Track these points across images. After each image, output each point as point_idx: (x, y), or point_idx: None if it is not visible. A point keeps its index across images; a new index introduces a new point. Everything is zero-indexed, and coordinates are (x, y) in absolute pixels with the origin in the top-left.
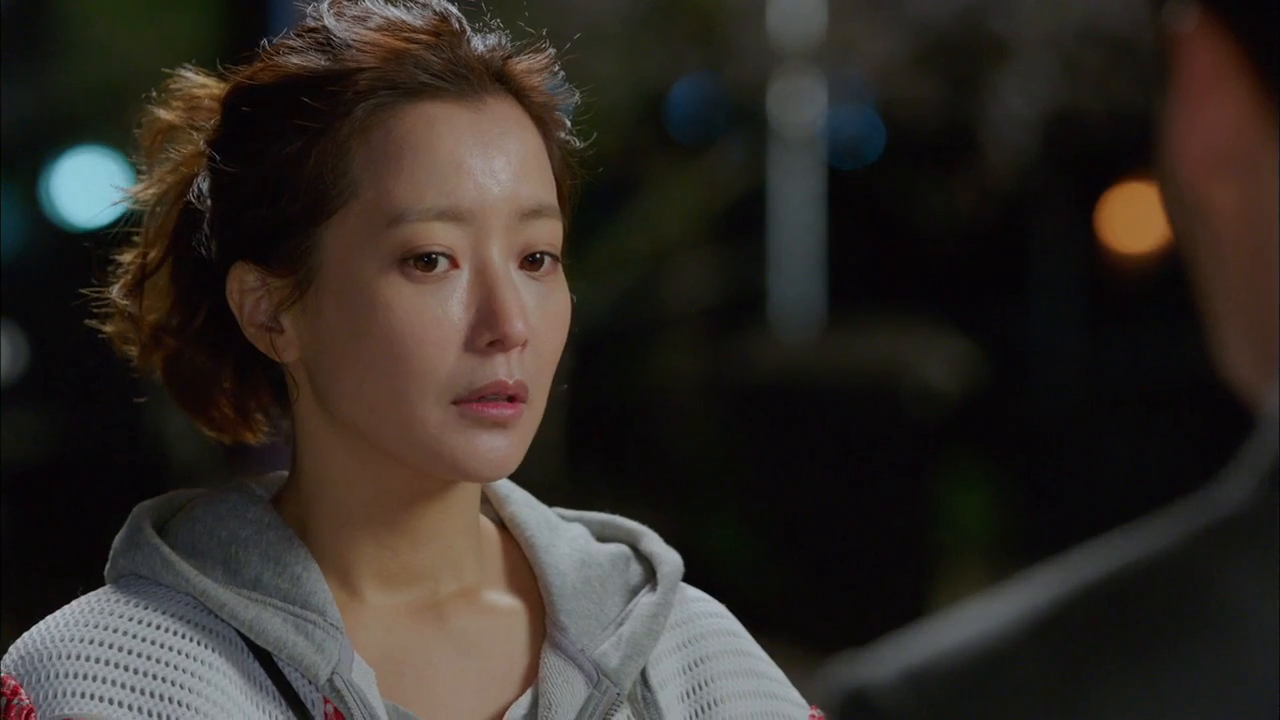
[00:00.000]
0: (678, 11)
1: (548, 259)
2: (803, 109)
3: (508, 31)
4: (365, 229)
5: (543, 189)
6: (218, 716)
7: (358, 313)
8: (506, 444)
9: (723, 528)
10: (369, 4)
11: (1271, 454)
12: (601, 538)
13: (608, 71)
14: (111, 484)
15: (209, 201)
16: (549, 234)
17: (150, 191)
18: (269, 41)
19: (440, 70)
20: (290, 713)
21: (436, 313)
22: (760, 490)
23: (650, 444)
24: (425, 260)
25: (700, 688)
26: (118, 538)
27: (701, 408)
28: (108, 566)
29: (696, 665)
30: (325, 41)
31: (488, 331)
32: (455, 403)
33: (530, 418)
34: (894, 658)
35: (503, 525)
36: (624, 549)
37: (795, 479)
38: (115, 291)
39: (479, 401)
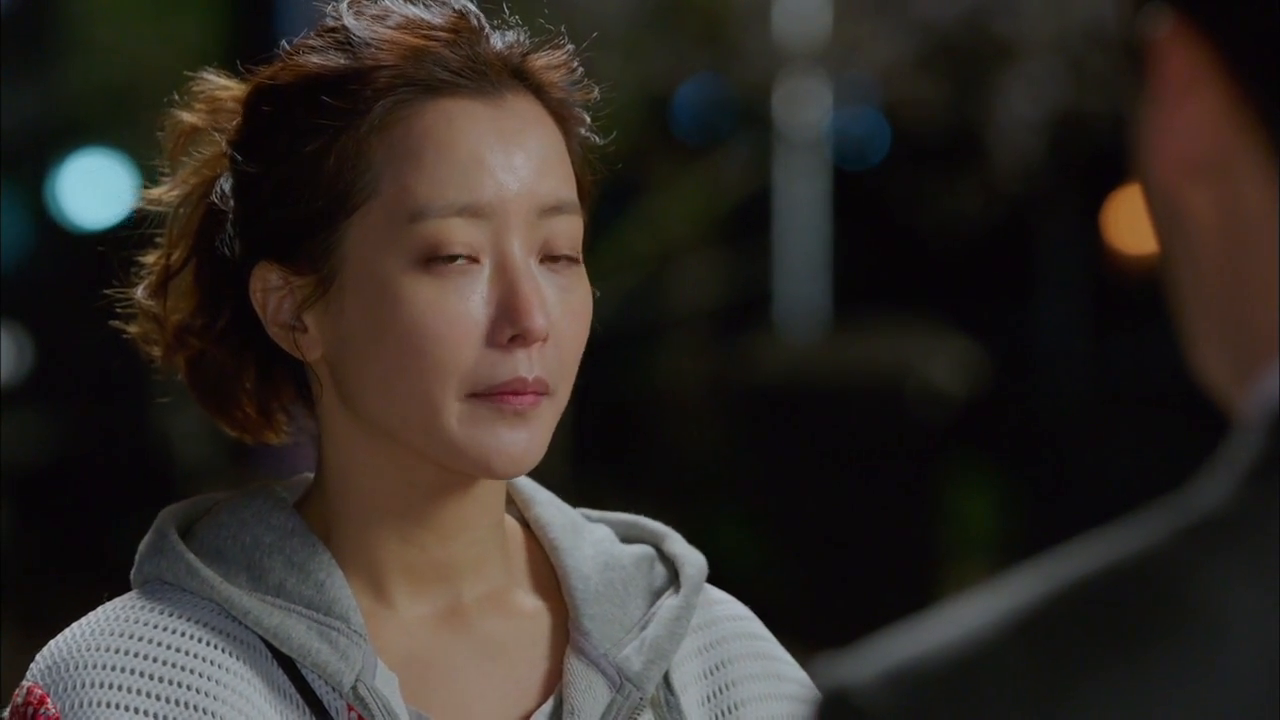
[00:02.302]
0: (683, 13)
1: (567, 259)
2: (808, 110)
3: (526, 29)
4: (386, 225)
5: (563, 185)
6: None
7: (379, 309)
8: (527, 437)
9: (728, 529)
10: (388, 3)
11: (1249, 455)
12: (626, 539)
13: (613, 73)
14: (116, 486)
15: (232, 202)
16: (569, 230)
17: (173, 193)
18: (289, 42)
19: (459, 67)
20: None
21: (458, 308)
22: (765, 491)
23: (655, 445)
24: (448, 255)
25: (722, 691)
26: (143, 542)
27: (707, 409)
28: (133, 571)
29: (719, 669)
30: (345, 40)
31: (509, 327)
32: (474, 396)
33: (551, 411)
34: (875, 658)
35: (528, 526)
36: (648, 550)
37: (800, 480)
38: (139, 292)
39: (498, 394)
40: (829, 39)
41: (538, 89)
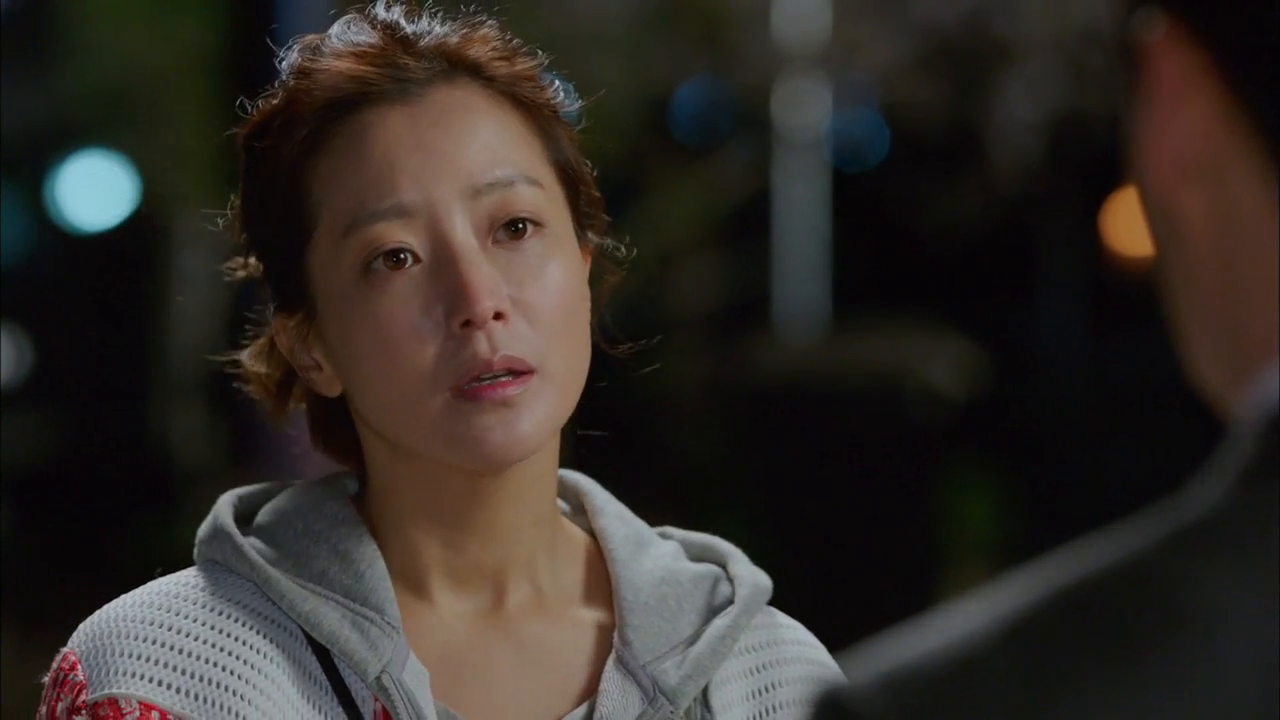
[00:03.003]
0: (682, 15)
1: (529, 225)
2: (807, 112)
3: (452, 16)
4: (331, 245)
5: (502, 161)
6: (264, 705)
7: (346, 327)
8: (515, 419)
9: (727, 530)
10: (333, 33)
11: (1243, 458)
12: (698, 558)
13: (612, 75)
14: (115, 488)
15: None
16: (520, 201)
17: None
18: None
19: (376, 78)
20: (340, 708)
21: (408, 308)
22: (764, 493)
23: (654, 447)
24: (394, 259)
25: (769, 713)
26: (204, 523)
27: (706, 411)
28: (194, 549)
29: (768, 690)
30: (283, 83)
31: (456, 314)
32: (453, 390)
33: (546, 388)
34: (870, 662)
35: (595, 537)
36: (714, 570)
37: (799, 482)
38: (245, 355)
39: (475, 384)
40: (828, 40)
41: (476, 71)
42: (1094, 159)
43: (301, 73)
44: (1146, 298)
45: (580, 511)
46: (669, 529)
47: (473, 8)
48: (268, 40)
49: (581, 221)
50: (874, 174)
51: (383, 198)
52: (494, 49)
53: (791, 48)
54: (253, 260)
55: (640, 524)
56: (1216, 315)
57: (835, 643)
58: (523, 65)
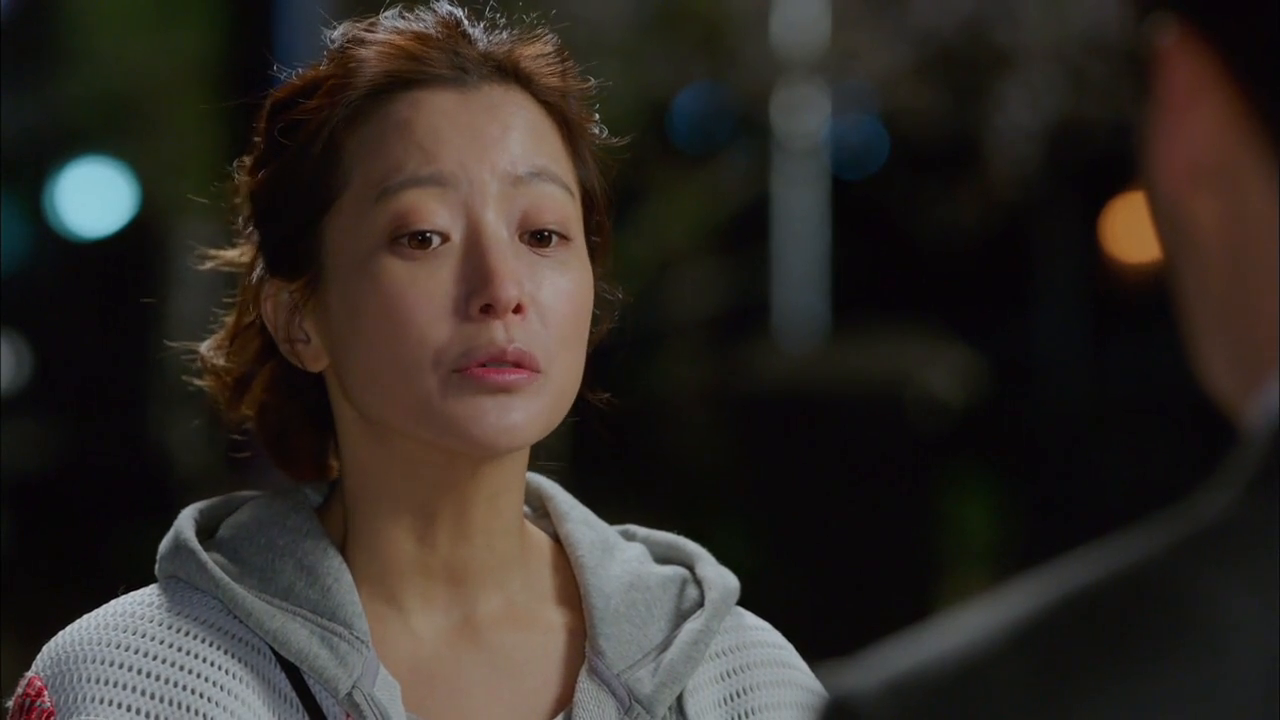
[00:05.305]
0: (682, 21)
1: (556, 237)
2: (806, 118)
3: (515, 30)
4: (357, 211)
5: (540, 155)
6: None
7: (356, 293)
8: (511, 408)
9: (726, 537)
10: (384, 18)
11: (1252, 464)
12: (664, 559)
13: (612, 81)
14: (114, 494)
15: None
16: (553, 206)
17: (246, 257)
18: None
19: (434, 60)
20: None
21: (428, 284)
22: (764, 500)
23: (654, 453)
24: (420, 239)
25: (743, 718)
26: (164, 539)
27: (705, 417)
28: (156, 565)
29: (741, 694)
30: (335, 52)
31: (478, 297)
32: (456, 371)
33: (546, 389)
34: (877, 668)
35: (559, 541)
36: (681, 572)
37: (799, 489)
38: (204, 347)
39: (480, 367)
40: (827, 47)
41: (528, 81)
42: (1093, 166)
43: (358, 41)
44: (1146, 304)
45: (543, 515)
46: (632, 527)
47: (482, 12)
48: (267, 49)
49: (590, 251)
50: (873, 181)
51: (421, 165)
52: (547, 63)
53: (790, 54)
54: (249, 233)
55: (605, 527)
56: (1228, 321)
57: (833, 650)
58: (572, 84)
